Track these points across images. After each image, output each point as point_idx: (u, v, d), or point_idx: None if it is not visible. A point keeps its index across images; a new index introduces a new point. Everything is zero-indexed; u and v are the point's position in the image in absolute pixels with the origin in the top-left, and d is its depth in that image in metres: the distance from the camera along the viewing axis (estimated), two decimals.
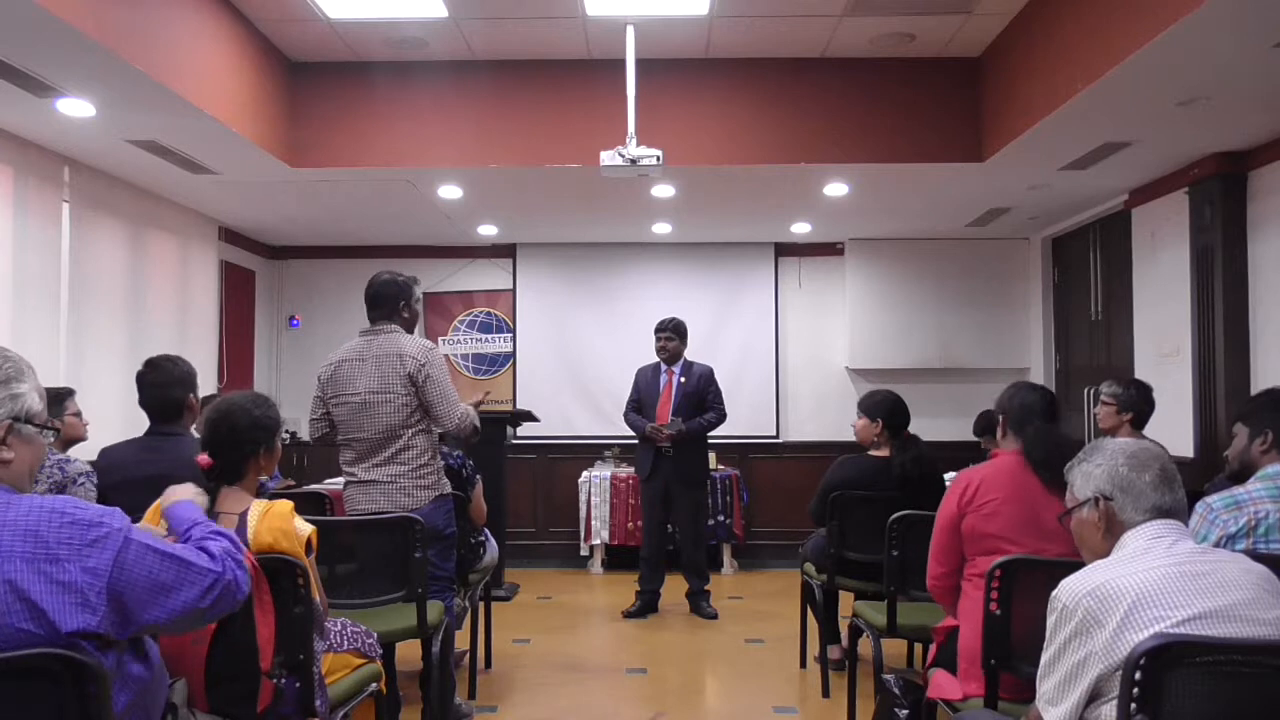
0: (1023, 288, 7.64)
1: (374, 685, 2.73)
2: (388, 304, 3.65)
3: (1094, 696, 1.71)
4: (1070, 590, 1.77)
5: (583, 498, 7.15)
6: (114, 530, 1.65)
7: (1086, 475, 1.97)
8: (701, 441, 5.86)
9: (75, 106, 4.16)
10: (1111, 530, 1.91)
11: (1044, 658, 1.81)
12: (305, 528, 2.36)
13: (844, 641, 4.34)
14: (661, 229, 7.24)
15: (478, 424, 3.67)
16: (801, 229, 7.25)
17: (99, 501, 2.98)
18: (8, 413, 1.69)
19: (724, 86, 5.25)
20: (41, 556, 1.57)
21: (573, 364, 7.78)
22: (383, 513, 3.44)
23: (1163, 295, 5.62)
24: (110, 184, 5.45)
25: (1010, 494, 2.64)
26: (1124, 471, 1.91)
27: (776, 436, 7.75)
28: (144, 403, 3.19)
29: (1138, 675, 1.63)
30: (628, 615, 5.74)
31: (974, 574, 2.64)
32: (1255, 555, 1.86)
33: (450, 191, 5.92)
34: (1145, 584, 1.71)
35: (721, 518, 7.01)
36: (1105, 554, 1.89)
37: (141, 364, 3.24)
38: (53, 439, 1.88)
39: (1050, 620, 1.80)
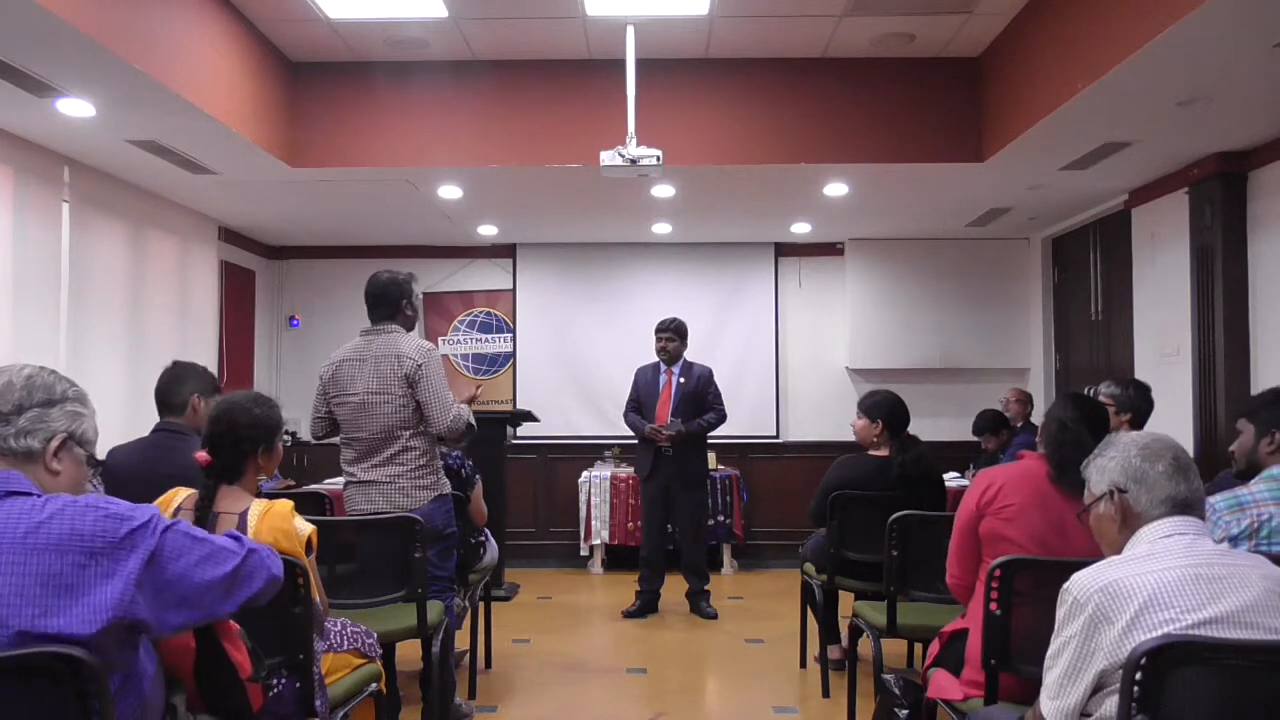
0: (1023, 288, 7.63)
1: (374, 685, 2.73)
2: (389, 304, 3.65)
3: (1099, 686, 1.71)
4: (1082, 584, 1.76)
5: (583, 498, 7.15)
6: (148, 522, 1.66)
7: (1101, 470, 1.96)
8: (701, 441, 5.86)
9: (75, 106, 4.16)
10: (1128, 523, 1.89)
11: (1050, 648, 1.80)
12: (305, 527, 2.35)
13: (844, 641, 4.33)
14: (661, 229, 7.24)
15: (472, 422, 3.60)
16: (801, 229, 7.25)
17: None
18: (66, 427, 1.74)
19: (724, 86, 5.25)
20: (77, 549, 1.57)
21: (573, 364, 7.78)
22: (382, 513, 3.44)
23: (1163, 295, 5.62)
24: (110, 184, 5.45)
25: (1031, 499, 2.56)
26: (1137, 463, 1.89)
27: (776, 436, 7.75)
28: (156, 391, 3.34)
29: (1138, 675, 1.63)
30: (628, 615, 5.74)
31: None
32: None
33: (450, 191, 5.92)
34: (1158, 585, 1.69)
35: (721, 518, 7.01)
36: (1124, 548, 1.88)
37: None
38: (93, 475, 1.91)
39: (1060, 612, 1.79)
